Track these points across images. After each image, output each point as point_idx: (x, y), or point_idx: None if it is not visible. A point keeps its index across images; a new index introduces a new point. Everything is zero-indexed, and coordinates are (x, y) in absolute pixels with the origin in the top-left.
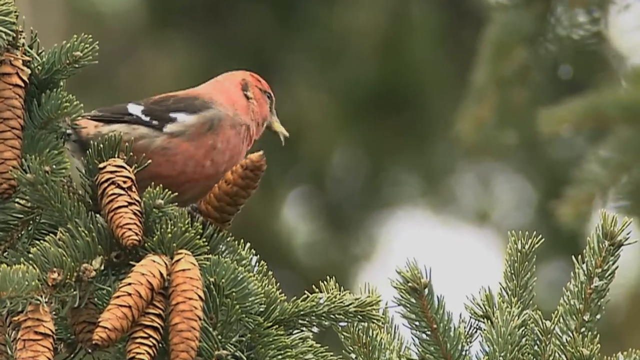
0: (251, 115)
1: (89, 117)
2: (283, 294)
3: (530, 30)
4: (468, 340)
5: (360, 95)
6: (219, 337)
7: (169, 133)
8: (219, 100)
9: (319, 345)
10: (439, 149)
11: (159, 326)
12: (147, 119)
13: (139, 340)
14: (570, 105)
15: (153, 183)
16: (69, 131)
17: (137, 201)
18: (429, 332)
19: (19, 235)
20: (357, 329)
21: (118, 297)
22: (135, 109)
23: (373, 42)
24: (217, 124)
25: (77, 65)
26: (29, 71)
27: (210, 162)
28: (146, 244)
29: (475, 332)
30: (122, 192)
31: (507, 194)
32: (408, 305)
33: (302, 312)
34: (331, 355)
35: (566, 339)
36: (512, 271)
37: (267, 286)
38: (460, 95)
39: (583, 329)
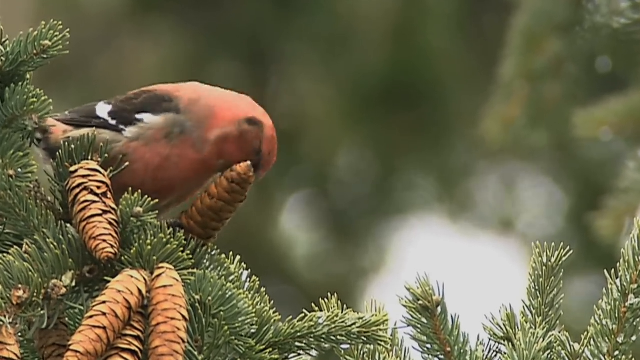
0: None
1: (58, 119)
2: (277, 314)
3: (564, 18)
4: None
5: (369, 89)
6: None
7: (129, 137)
8: (195, 116)
9: None
10: (457, 149)
11: (137, 350)
12: (114, 122)
13: None
14: (609, 105)
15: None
16: (37, 135)
17: (113, 209)
18: (442, 356)
19: None
20: (362, 352)
21: (91, 317)
22: (103, 111)
23: (383, 28)
24: (177, 134)
25: (45, 56)
26: None
27: (165, 175)
28: (123, 257)
29: (495, 355)
30: (95, 198)
31: (533, 199)
32: (419, 326)
33: (298, 334)
34: None
35: None
36: (537, 287)
37: (260, 304)
38: (481, 88)
39: (617, 352)
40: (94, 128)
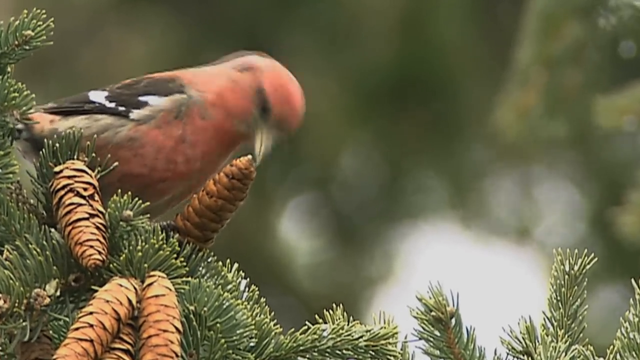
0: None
1: (43, 110)
2: (278, 326)
3: None
4: None
5: (375, 84)
6: None
7: (136, 120)
8: (196, 87)
9: None
10: (471, 149)
11: None
12: (112, 105)
13: None
14: (633, 92)
15: (122, 187)
16: (19, 126)
17: (101, 212)
18: None
19: None
20: None
21: (77, 329)
22: (98, 96)
23: (390, 18)
24: (185, 111)
25: (27, 47)
26: None
27: (181, 157)
28: (111, 265)
29: None
30: (82, 201)
31: (552, 204)
32: (431, 339)
33: (301, 348)
34: None
35: None
36: (559, 298)
37: (259, 316)
38: (497, 82)
39: None
40: (89, 115)
